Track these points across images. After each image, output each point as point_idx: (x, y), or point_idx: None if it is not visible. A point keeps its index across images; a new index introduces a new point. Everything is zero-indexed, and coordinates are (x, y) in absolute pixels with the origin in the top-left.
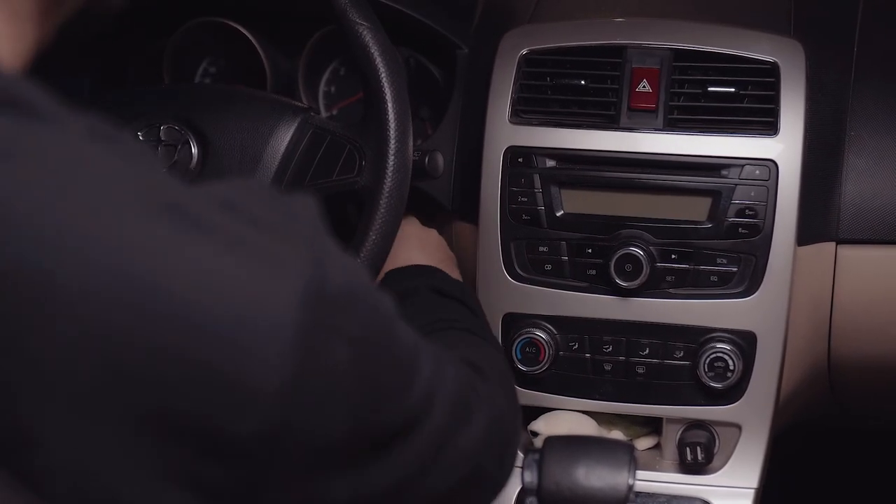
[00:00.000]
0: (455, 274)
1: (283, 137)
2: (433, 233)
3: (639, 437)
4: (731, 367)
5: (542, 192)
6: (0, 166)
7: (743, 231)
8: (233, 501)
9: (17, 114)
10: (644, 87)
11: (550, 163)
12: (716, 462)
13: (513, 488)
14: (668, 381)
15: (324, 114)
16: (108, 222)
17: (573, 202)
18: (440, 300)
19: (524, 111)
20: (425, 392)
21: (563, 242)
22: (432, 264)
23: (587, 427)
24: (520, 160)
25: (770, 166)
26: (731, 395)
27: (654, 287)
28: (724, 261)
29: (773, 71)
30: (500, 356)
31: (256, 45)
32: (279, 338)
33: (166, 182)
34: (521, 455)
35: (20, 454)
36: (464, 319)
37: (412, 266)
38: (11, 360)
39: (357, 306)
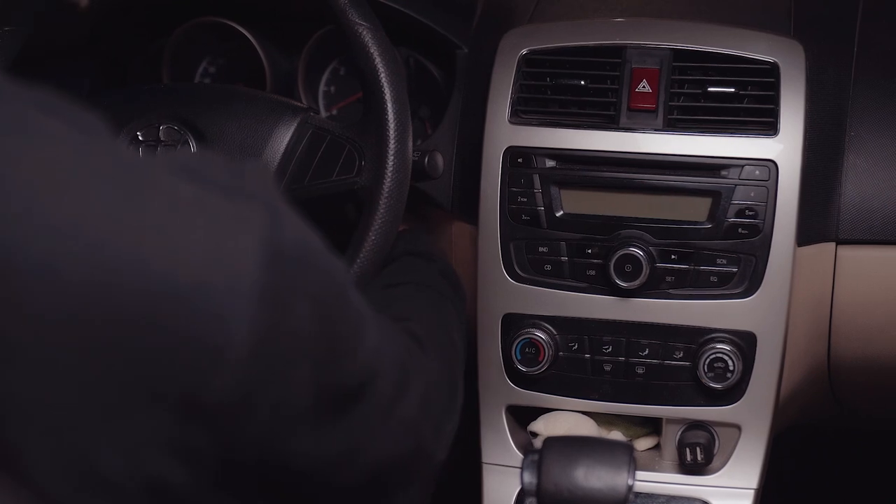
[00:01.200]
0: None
1: (283, 137)
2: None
3: (638, 437)
4: (731, 368)
5: (541, 193)
6: None
7: (743, 231)
8: (209, 461)
9: None
10: (644, 87)
11: (550, 163)
12: (715, 462)
13: (512, 489)
14: (667, 381)
15: (323, 114)
16: (66, 193)
17: (573, 202)
18: (414, 261)
19: (524, 111)
20: (373, 356)
21: (563, 243)
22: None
23: (587, 427)
24: (519, 160)
25: (770, 166)
26: (731, 395)
27: (653, 287)
28: (724, 261)
29: (772, 71)
30: (452, 328)
31: (256, 45)
32: (243, 297)
33: (121, 150)
34: (520, 456)
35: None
36: (426, 282)
37: None
38: None
39: (314, 264)
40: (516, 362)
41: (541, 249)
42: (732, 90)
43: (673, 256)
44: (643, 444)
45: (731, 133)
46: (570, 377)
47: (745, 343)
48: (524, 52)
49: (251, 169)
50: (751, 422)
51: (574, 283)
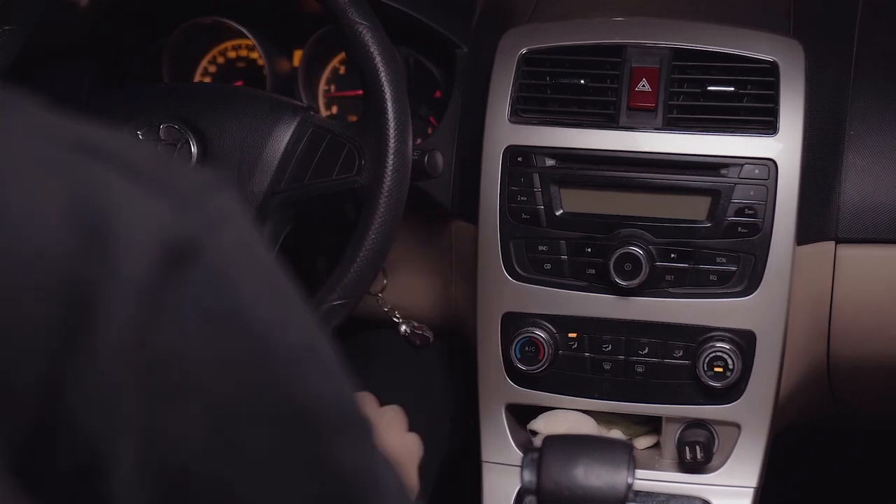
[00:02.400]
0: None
1: (283, 136)
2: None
3: (638, 436)
4: (731, 367)
5: (541, 192)
6: None
7: (742, 230)
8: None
9: None
10: (643, 86)
11: (550, 162)
12: (715, 461)
13: (512, 487)
14: (667, 380)
15: (323, 113)
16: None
17: (572, 201)
18: None
19: (524, 110)
20: None
21: (563, 242)
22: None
23: (586, 426)
24: (519, 159)
25: (769, 165)
26: (731, 394)
27: (653, 286)
28: (724, 260)
29: (772, 70)
30: None
31: (256, 44)
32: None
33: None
34: (520, 454)
35: None
36: None
37: None
38: None
39: (244, 303)
40: (516, 361)
41: (540, 248)
42: (732, 89)
43: (672, 255)
44: (643, 442)
45: (731, 132)
46: (570, 376)
47: (745, 342)
48: (524, 51)
49: (194, 170)
50: (750, 420)
51: (574, 282)
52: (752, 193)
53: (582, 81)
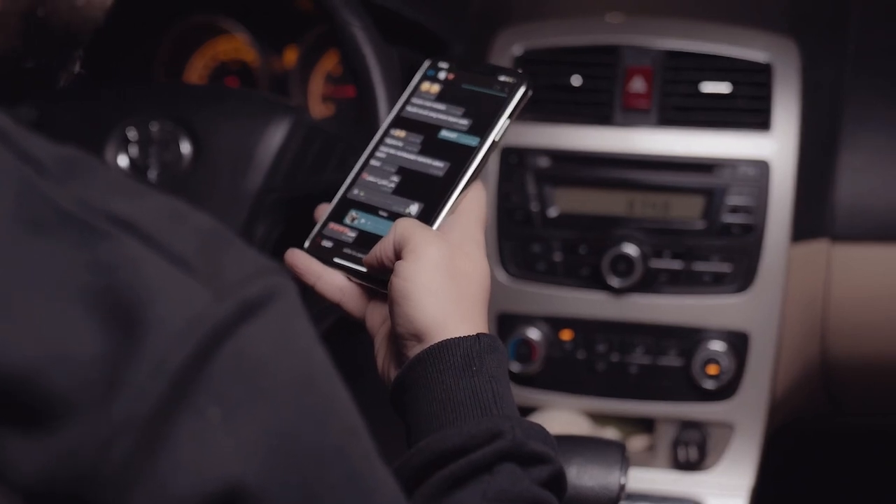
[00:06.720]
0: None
1: (276, 136)
2: (467, 258)
3: (632, 436)
4: (724, 367)
5: (535, 191)
6: None
7: (736, 230)
8: None
9: None
10: (638, 86)
11: (544, 161)
12: (709, 461)
13: None
14: (660, 380)
15: (318, 112)
16: None
17: (567, 201)
18: (521, 476)
19: None
20: None
21: (557, 242)
22: (468, 315)
23: (580, 426)
24: (514, 159)
25: (763, 165)
26: (724, 394)
27: (647, 286)
28: (718, 260)
29: (766, 70)
30: None
31: (250, 44)
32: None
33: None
34: None
35: None
36: None
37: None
38: None
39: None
40: (510, 361)
41: (534, 248)
42: (726, 89)
43: (666, 255)
44: (636, 442)
45: (725, 132)
46: (564, 376)
47: (739, 342)
48: (519, 51)
49: (239, 259)
50: (744, 420)
51: (568, 282)
52: (746, 193)
53: (577, 81)
